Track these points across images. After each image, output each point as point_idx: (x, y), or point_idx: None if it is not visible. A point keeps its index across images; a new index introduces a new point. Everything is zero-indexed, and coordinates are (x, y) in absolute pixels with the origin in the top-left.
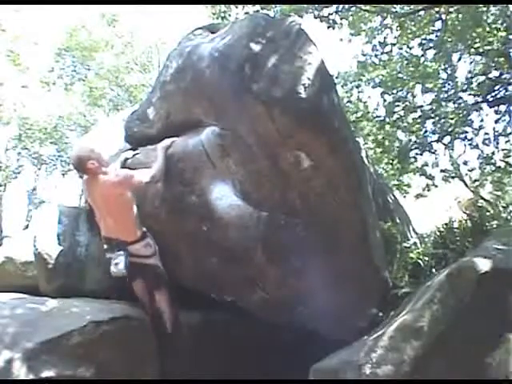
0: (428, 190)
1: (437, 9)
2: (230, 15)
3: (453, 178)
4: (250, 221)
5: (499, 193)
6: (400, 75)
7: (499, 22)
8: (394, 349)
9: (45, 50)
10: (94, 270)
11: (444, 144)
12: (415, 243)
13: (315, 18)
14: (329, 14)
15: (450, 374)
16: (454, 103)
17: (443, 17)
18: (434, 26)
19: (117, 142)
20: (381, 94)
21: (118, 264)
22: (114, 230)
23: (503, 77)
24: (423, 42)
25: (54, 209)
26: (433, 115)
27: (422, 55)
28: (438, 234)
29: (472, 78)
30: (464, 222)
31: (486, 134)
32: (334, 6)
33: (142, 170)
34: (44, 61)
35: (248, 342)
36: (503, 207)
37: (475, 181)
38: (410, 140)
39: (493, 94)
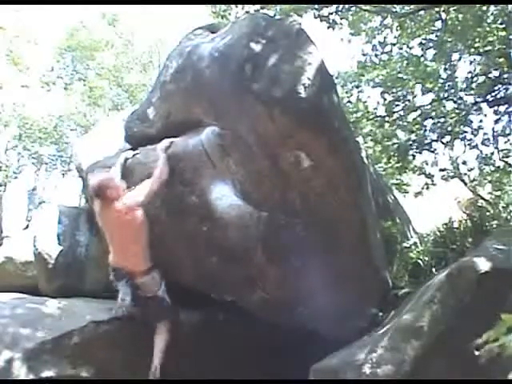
0: (427, 189)
1: (437, 9)
2: (230, 14)
3: (452, 177)
4: (250, 221)
5: (498, 193)
6: (400, 75)
7: (499, 21)
8: (394, 349)
9: (45, 50)
10: (93, 270)
11: (443, 143)
12: (415, 243)
13: (315, 17)
14: (329, 14)
15: (449, 374)
16: (453, 103)
17: (443, 17)
18: (434, 25)
19: (117, 142)
20: (381, 93)
21: (125, 300)
22: (123, 259)
23: (503, 77)
24: (423, 41)
25: (54, 209)
26: (433, 115)
27: (422, 55)
28: (438, 233)
29: (472, 78)
30: (464, 222)
31: (486, 134)
32: (334, 6)
33: (144, 182)
34: (44, 61)
35: (248, 342)
36: (503, 207)
37: (473, 180)
38: (410, 139)
39: (493, 94)
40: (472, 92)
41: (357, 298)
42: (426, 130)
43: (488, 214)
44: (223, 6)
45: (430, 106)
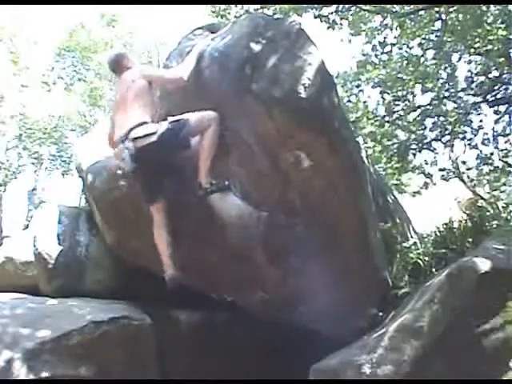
0: (426, 188)
1: (437, 9)
2: (229, 13)
3: (452, 177)
4: (250, 221)
5: (497, 192)
6: (400, 75)
7: (499, 21)
8: (394, 349)
9: (45, 50)
10: (93, 270)
11: (443, 143)
12: (415, 243)
13: (315, 17)
14: (329, 14)
15: (450, 374)
16: (453, 103)
17: (443, 17)
18: (434, 25)
19: None
20: (380, 93)
21: (125, 159)
22: (125, 123)
23: (503, 77)
24: (423, 41)
25: (54, 209)
26: (432, 115)
27: (422, 55)
28: (438, 233)
29: (472, 77)
30: (464, 222)
31: (486, 133)
32: (334, 6)
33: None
34: (44, 61)
35: (248, 342)
36: (503, 207)
37: (473, 180)
38: (410, 139)
39: (493, 94)
40: (472, 92)
41: (357, 297)
42: (425, 130)
43: (488, 213)
44: (223, 6)
45: (429, 106)
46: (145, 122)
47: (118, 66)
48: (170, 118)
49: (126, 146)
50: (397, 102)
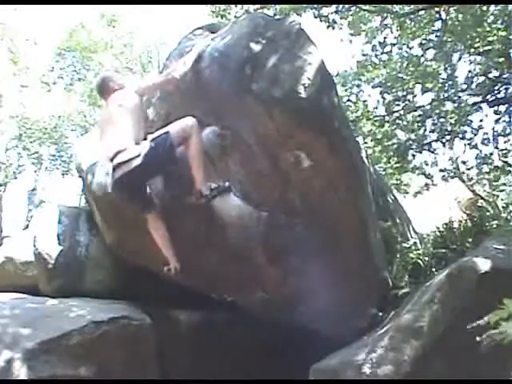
0: (427, 189)
1: (437, 9)
2: (229, 13)
3: (452, 177)
4: (250, 221)
5: (498, 193)
6: (400, 75)
7: (499, 21)
8: (394, 349)
9: (45, 50)
10: (93, 270)
11: (443, 143)
12: (415, 243)
13: (315, 17)
14: (329, 14)
15: (450, 374)
16: (453, 103)
17: (443, 17)
18: (434, 26)
19: None
20: (380, 93)
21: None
22: (113, 144)
23: (503, 77)
24: (423, 41)
25: (54, 209)
26: (432, 115)
27: (422, 55)
28: (438, 233)
29: (472, 78)
30: (464, 222)
31: (486, 133)
32: (334, 6)
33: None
34: (44, 61)
35: (248, 342)
36: (503, 207)
37: (473, 180)
38: (410, 139)
39: (493, 94)
40: (472, 92)
41: (357, 297)
42: (425, 130)
43: (488, 214)
44: (223, 6)
45: (429, 106)
46: (129, 146)
47: (104, 89)
48: (150, 136)
49: (113, 171)
50: (397, 102)
